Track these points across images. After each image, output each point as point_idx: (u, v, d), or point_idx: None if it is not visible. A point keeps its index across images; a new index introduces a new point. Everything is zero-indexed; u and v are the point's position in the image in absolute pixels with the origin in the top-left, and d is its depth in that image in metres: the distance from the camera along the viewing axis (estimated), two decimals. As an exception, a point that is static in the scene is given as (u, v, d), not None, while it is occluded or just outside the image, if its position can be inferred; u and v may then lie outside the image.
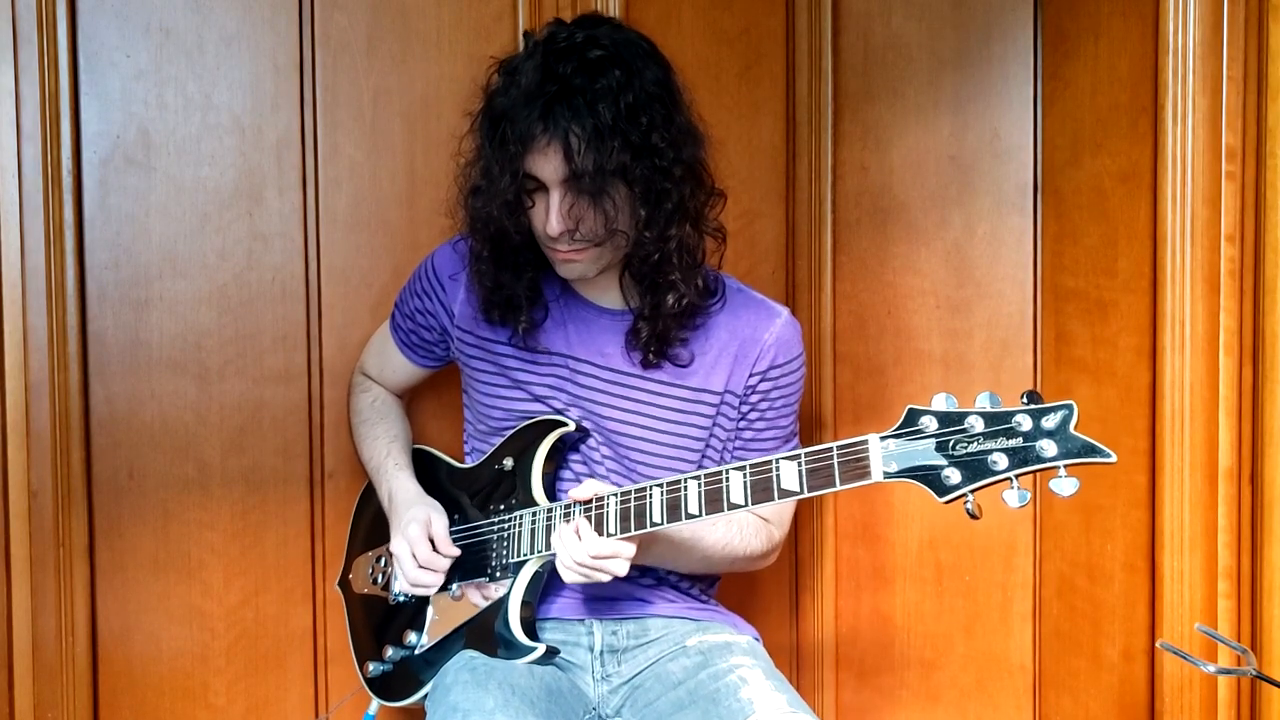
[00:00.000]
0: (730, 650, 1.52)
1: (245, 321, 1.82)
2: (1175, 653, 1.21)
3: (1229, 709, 1.53)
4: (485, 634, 1.51)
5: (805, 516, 2.01)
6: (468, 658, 1.49)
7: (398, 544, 1.55)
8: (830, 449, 1.24)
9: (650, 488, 1.37)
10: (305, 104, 1.82)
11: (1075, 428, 1.12)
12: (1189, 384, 1.55)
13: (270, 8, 1.80)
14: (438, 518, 1.55)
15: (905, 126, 1.94)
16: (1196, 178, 1.53)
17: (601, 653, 1.56)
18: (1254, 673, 1.18)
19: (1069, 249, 1.82)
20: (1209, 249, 1.53)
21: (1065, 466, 1.12)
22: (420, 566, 1.53)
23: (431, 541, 1.54)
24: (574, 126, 1.36)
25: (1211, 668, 1.19)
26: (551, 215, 1.41)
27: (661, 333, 1.51)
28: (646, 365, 1.54)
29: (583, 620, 1.57)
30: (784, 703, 1.39)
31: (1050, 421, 1.13)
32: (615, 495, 1.39)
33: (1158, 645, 1.54)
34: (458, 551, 1.54)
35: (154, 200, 1.78)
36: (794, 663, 2.05)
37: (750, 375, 1.56)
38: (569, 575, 1.40)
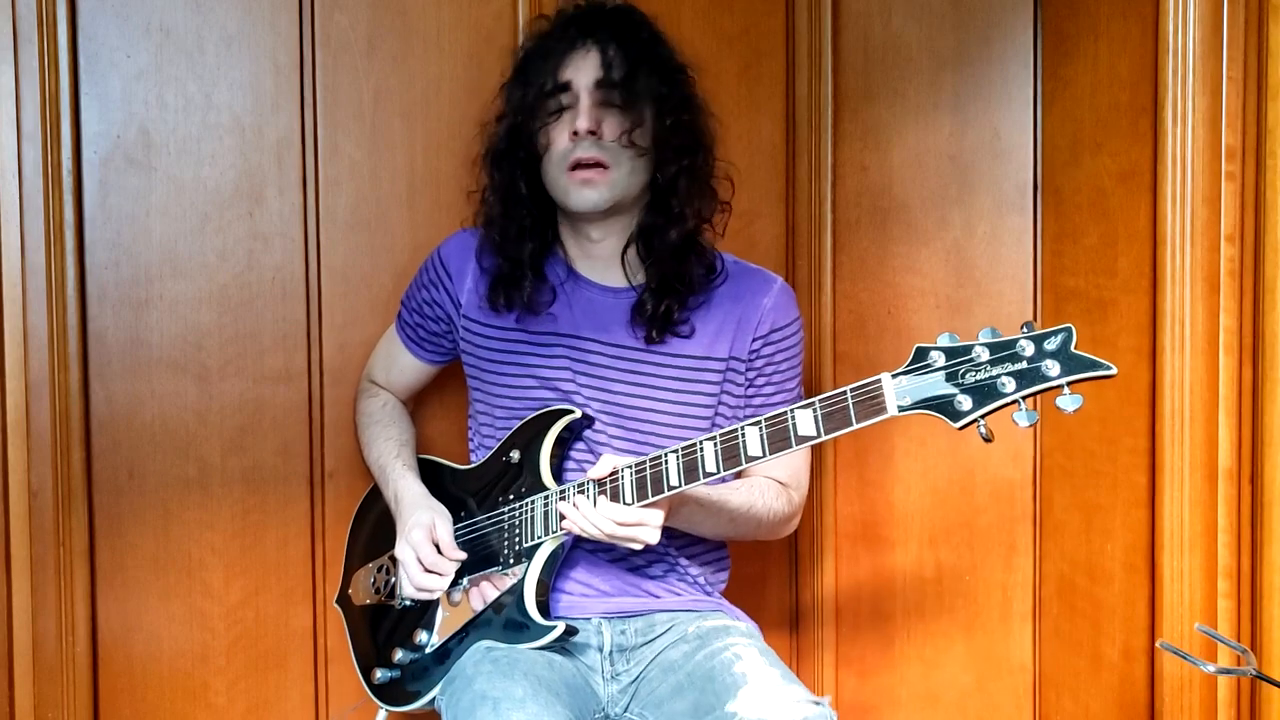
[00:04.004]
0: (728, 632, 1.54)
1: (245, 321, 1.82)
2: (1175, 653, 1.21)
3: (1229, 709, 1.53)
4: (501, 622, 1.51)
5: (806, 515, 2.01)
6: (484, 648, 1.50)
7: (402, 550, 1.55)
8: (844, 391, 1.27)
9: (665, 454, 1.38)
10: (305, 104, 1.82)
11: (1075, 347, 1.17)
12: (1189, 384, 1.55)
13: (270, 8, 1.80)
14: (441, 522, 1.55)
15: (905, 126, 1.94)
16: (1196, 178, 1.53)
17: (611, 653, 1.56)
18: (1254, 673, 1.18)
19: (1069, 249, 1.82)
20: (1209, 249, 1.53)
21: (1069, 383, 1.17)
22: (426, 571, 1.53)
23: (437, 546, 1.54)
24: (612, 41, 1.52)
25: (1211, 668, 1.19)
26: (582, 114, 1.50)
27: (666, 310, 1.55)
28: (650, 340, 1.57)
29: (590, 619, 1.57)
30: (777, 676, 1.41)
31: (1052, 344, 1.18)
32: (630, 467, 1.40)
33: (1158, 645, 1.54)
34: (463, 555, 1.54)
35: (154, 200, 1.78)
36: (794, 660, 2.05)
37: (753, 340, 1.60)
38: (595, 534, 1.42)
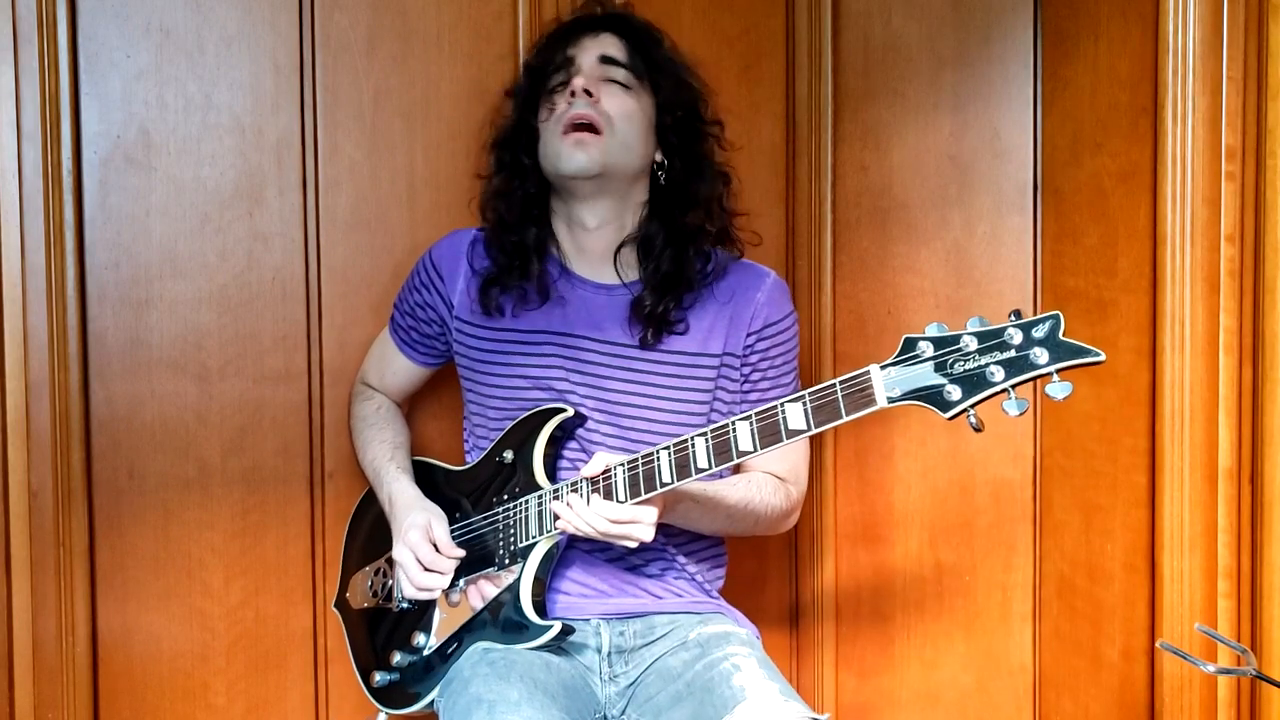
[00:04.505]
0: (728, 640, 1.53)
1: (245, 321, 1.82)
2: (1175, 653, 1.21)
3: (1229, 709, 1.53)
4: (498, 623, 1.51)
5: (805, 515, 2.01)
6: (482, 650, 1.50)
7: (399, 551, 1.55)
8: (833, 384, 1.27)
9: (658, 450, 1.38)
10: (305, 104, 1.82)
11: (1063, 335, 1.16)
12: (1189, 384, 1.55)
13: (270, 8, 1.80)
14: (437, 522, 1.56)
15: (905, 126, 1.94)
16: (1196, 178, 1.53)
17: (609, 654, 1.56)
18: (1254, 673, 1.18)
19: (1069, 249, 1.82)
20: (1209, 249, 1.53)
21: (1058, 371, 1.16)
22: (425, 570, 1.53)
23: (434, 546, 1.54)
24: (621, 30, 1.60)
25: (1211, 668, 1.19)
26: (580, 76, 1.56)
27: (664, 310, 1.56)
28: (645, 345, 1.57)
29: (588, 620, 1.57)
30: (775, 691, 1.40)
31: (1040, 331, 1.17)
32: (623, 464, 1.40)
33: (1158, 645, 1.54)
34: (461, 553, 1.54)
35: (154, 200, 1.78)
36: (794, 661, 2.05)
37: (747, 335, 1.60)
38: (589, 532, 1.41)
